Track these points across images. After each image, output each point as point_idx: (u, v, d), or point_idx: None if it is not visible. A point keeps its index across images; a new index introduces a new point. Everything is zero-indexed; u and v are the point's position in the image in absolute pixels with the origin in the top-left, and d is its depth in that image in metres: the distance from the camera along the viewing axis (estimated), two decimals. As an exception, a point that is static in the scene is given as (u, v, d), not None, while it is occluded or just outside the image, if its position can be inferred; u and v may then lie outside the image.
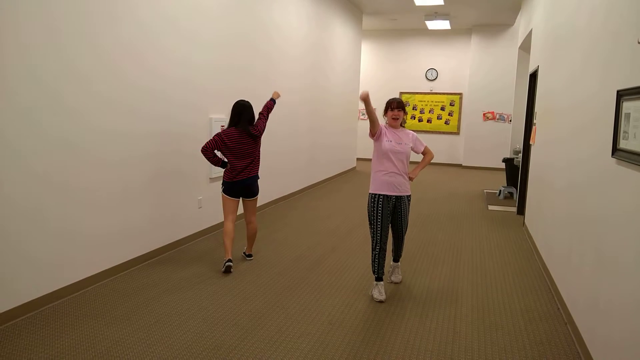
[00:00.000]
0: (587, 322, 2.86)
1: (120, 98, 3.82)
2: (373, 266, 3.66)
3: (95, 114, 3.58)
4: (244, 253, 4.46)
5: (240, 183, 4.09)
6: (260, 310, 3.36)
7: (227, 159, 4.12)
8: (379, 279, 3.66)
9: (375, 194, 3.62)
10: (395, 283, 3.99)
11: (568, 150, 3.70)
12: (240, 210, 4.90)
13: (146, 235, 4.26)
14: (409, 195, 3.72)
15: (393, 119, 3.64)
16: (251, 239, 4.38)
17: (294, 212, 6.60)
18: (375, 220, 3.61)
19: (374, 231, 3.62)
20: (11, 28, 2.90)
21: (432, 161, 12.90)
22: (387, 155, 3.60)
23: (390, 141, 3.60)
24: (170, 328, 3.05)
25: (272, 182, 6.75)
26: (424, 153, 3.82)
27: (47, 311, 3.22)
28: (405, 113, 3.70)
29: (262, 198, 6.41)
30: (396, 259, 4.01)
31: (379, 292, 3.61)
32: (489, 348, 2.94)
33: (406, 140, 3.67)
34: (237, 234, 4.24)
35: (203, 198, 5.05)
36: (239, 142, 4.05)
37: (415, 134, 3.78)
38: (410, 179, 3.70)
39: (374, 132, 3.56)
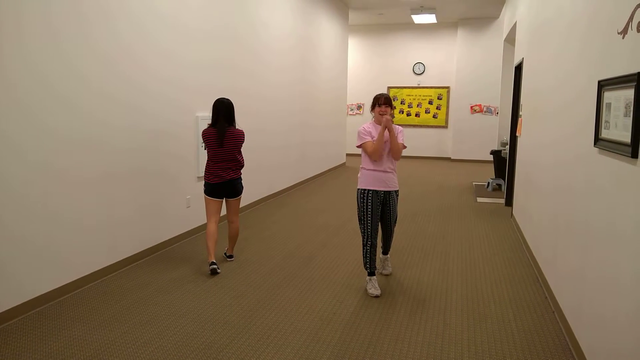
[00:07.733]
0: (574, 311, 2.90)
1: (112, 92, 3.80)
2: (365, 261, 3.68)
3: (88, 106, 3.57)
4: (225, 254, 4.39)
5: (221, 184, 4.04)
6: (251, 308, 3.36)
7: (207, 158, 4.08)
8: (371, 274, 3.68)
9: (365, 190, 3.66)
10: (386, 275, 4.02)
11: (552, 139, 3.73)
12: (223, 211, 4.76)
13: (134, 235, 4.23)
14: (397, 191, 3.76)
15: (380, 114, 3.66)
16: (233, 239, 4.30)
17: (284, 209, 6.59)
18: (365, 216, 3.64)
19: (364, 227, 3.64)
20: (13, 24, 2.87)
21: (420, 155, 13.09)
22: None
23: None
24: (160, 329, 3.04)
25: (261, 180, 6.73)
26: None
27: (34, 315, 3.19)
28: (393, 108, 3.73)
29: (251, 196, 6.40)
30: (385, 251, 4.05)
31: (373, 287, 3.63)
32: (478, 338, 2.97)
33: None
34: (219, 235, 4.16)
35: (191, 197, 5.02)
36: (216, 144, 3.98)
37: (401, 128, 3.80)
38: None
39: (366, 150, 3.63)
